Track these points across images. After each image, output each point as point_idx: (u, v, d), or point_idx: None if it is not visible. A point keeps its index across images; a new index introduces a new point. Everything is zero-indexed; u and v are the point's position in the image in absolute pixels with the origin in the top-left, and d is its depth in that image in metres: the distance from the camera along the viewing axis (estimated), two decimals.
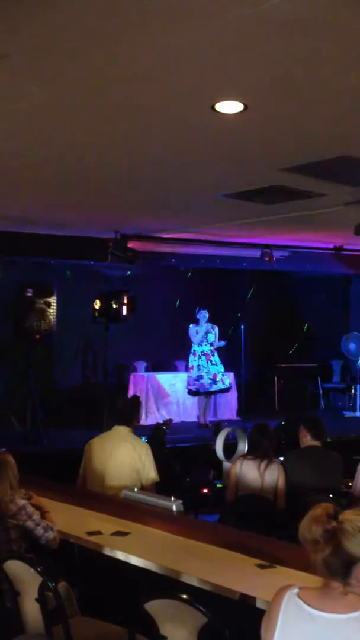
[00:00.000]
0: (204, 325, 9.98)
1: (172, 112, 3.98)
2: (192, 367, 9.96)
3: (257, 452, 5.15)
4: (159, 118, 4.10)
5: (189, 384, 10.02)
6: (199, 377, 9.88)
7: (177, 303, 11.69)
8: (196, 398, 10.20)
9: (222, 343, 10.10)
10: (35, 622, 3.22)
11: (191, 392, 10.08)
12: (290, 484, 5.04)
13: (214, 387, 9.95)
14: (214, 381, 9.92)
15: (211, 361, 9.96)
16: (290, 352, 12.75)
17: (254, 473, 5.07)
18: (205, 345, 9.98)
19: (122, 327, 9.99)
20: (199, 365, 9.92)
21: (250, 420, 8.95)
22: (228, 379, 10.19)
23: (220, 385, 10.00)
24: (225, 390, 10.24)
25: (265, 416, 9.96)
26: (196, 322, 10.03)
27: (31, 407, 8.59)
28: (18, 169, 5.44)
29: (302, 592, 2.11)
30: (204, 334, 9.96)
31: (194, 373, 9.93)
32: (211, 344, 10.00)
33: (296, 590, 2.12)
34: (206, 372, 9.90)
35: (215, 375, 9.93)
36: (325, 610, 2.04)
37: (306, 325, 13.12)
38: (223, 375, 10.04)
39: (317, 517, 2.12)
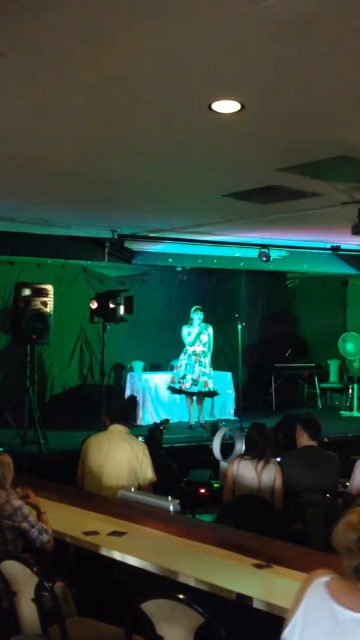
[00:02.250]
0: (198, 327, 9.95)
1: (169, 111, 3.97)
2: (179, 366, 9.95)
3: (254, 452, 5.15)
4: (156, 117, 4.10)
5: (172, 381, 9.98)
6: (183, 377, 9.87)
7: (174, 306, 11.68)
8: (185, 399, 10.17)
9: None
10: (31, 622, 3.22)
11: (172, 390, 10.05)
12: (288, 484, 5.04)
13: (194, 389, 9.89)
14: (195, 382, 9.84)
15: (199, 362, 9.91)
16: (287, 352, 12.75)
17: (251, 473, 5.07)
18: (198, 345, 9.95)
19: (119, 327, 9.98)
20: (186, 365, 9.89)
21: (247, 420, 8.96)
22: (215, 383, 10.10)
23: (201, 388, 9.90)
24: (210, 394, 10.14)
25: (262, 416, 9.96)
26: (189, 322, 10.00)
27: (28, 407, 8.57)
28: (15, 169, 5.44)
29: (332, 582, 2.07)
30: (197, 335, 9.94)
31: (179, 372, 9.91)
32: (204, 345, 9.97)
33: (326, 579, 2.08)
34: (190, 372, 9.85)
35: (198, 377, 9.87)
36: (349, 606, 2.01)
37: (302, 325, 13.12)
38: (209, 379, 9.96)
39: (352, 524, 2.07)
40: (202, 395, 10.06)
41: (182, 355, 10.02)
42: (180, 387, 9.87)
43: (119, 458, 4.91)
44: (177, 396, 10.33)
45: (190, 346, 9.94)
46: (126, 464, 4.89)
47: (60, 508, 4.41)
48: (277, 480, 5.04)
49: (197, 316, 9.93)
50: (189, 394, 9.96)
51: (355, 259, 11.12)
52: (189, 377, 9.84)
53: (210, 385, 9.98)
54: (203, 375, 9.89)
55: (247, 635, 3.14)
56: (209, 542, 3.70)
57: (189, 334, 9.93)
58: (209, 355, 10.04)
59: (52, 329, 8.90)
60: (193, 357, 9.90)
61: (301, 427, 5.25)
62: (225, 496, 5.25)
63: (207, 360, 9.99)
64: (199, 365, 9.89)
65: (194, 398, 10.02)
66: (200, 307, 10.05)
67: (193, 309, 10.00)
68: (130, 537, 3.84)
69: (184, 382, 9.84)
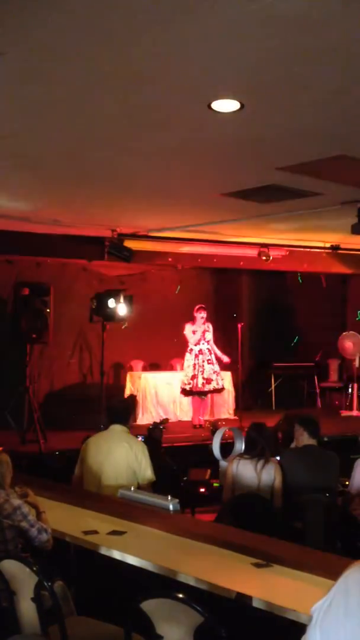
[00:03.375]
0: (202, 326, 9.91)
1: (169, 110, 3.98)
2: (188, 367, 9.91)
3: (254, 452, 5.15)
4: (156, 116, 4.10)
5: (183, 383, 9.95)
6: (193, 377, 9.83)
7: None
8: (190, 397, 10.15)
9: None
10: (31, 621, 3.21)
11: (184, 392, 10.02)
12: (287, 483, 5.05)
13: (207, 387, 9.87)
14: (207, 381, 9.84)
15: (208, 360, 9.90)
16: (287, 351, 12.74)
17: (251, 472, 5.07)
18: (203, 344, 9.93)
19: (119, 327, 9.97)
20: (194, 365, 9.86)
21: (247, 419, 8.95)
22: (222, 380, 10.10)
23: (214, 385, 9.92)
24: (219, 390, 10.15)
25: (262, 415, 9.95)
26: (192, 320, 9.96)
27: (28, 406, 8.57)
28: (15, 167, 5.43)
29: None
30: (202, 334, 9.90)
31: (189, 372, 9.87)
32: (208, 342, 9.95)
33: None
34: (201, 372, 9.83)
35: (210, 376, 9.86)
36: None
37: (302, 324, 13.11)
38: (218, 376, 9.97)
39: None
40: (214, 393, 10.07)
41: (187, 356, 9.97)
42: (190, 388, 9.83)
43: (118, 458, 4.92)
44: (176, 396, 10.31)
45: (196, 345, 9.91)
46: (125, 464, 4.90)
47: (59, 507, 4.40)
48: (277, 480, 5.04)
49: (200, 315, 9.89)
50: (203, 394, 9.94)
51: (354, 258, 11.12)
52: (200, 376, 9.80)
53: (221, 382, 9.99)
54: (214, 372, 9.89)
55: (247, 634, 3.14)
56: (208, 541, 3.70)
57: (195, 333, 9.89)
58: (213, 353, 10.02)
59: (51, 329, 8.89)
60: (201, 357, 9.87)
61: (300, 426, 5.25)
62: (225, 495, 5.26)
63: (213, 358, 9.98)
64: (208, 363, 9.87)
65: (202, 397, 10.01)
66: (203, 305, 10.02)
67: (196, 307, 9.96)
68: (129, 537, 3.84)
69: (195, 383, 9.80)
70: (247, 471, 5.09)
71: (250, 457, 5.14)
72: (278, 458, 5.28)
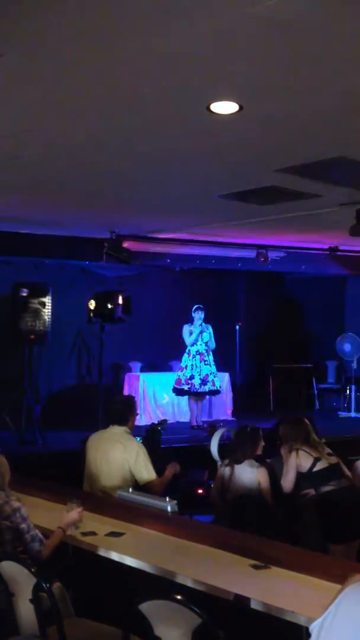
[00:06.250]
0: (199, 326, 9.90)
1: (168, 112, 3.98)
2: (185, 367, 9.91)
3: (233, 456, 5.21)
4: (155, 118, 4.10)
5: (178, 382, 9.93)
6: (191, 377, 9.82)
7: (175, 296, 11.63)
8: (186, 399, 10.15)
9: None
10: (29, 623, 3.22)
11: (177, 391, 10.01)
12: (277, 488, 5.10)
13: (203, 388, 9.85)
14: (204, 382, 9.82)
15: (205, 361, 9.89)
16: (285, 352, 12.74)
17: (235, 477, 5.12)
18: (200, 344, 9.92)
19: (117, 328, 9.97)
20: (192, 365, 9.85)
21: (245, 420, 8.96)
22: (219, 381, 10.07)
23: (210, 387, 9.89)
24: (214, 392, 10.12)
25: (260, 417, 9.95)
26: (190, 321, 9.96)
27: (26, 407, 8.57)
28: (13, 169, 5.43)
29: None
30: (198, 334, 9.90)
31: (187, 372, 9.86)
32: (206, 344, 9.93)
33: None
34: (198, 373, 9.82)
35: (206, 376, 9.82)
36: None
37: (301, 326, 13.12)
38: (215, 377, 9.94)
39: None
40: (209, 394, 10.05)
41: (185, 356, 9.96)
42: (189, 388, 9.82)
43: (113, 458, 4.94)
44: (175, 397, 10.30)
45: (192, 345, 9.90)
46: (119, 465, 4.92)
47: (58, 508, 4.40)
48: (262, 483, 5.05)
49: (197, 315, 9.89)
50: (197, 394, 9.92)
51: (353, 260, 11.13)
52: (197, 377, 9.79)
53: (217, 384, 9.97)
54: (210, 374, 9.87)
55: (245, 636, 3.15)
56: (206, 542, 3.70)
57: (191, 333, 9.88)
58: (211, 353, 10.01)
59: (50, 329, 8.89)
60: (198, 357, 9.86)
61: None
62: (213, 497, 5.33)
63: (211, 359, 9.96)
64: (205, 364, 9.85)
65: (197, 398, 10.00)
66: (201, 305, 10.01)
67: (194, 307, 9.95)
68: (128, 538, 3.85)
69: (192, 383, 9.79)
70: (232, 475, 5.13)
71: (229, 462, 5.19)
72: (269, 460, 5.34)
